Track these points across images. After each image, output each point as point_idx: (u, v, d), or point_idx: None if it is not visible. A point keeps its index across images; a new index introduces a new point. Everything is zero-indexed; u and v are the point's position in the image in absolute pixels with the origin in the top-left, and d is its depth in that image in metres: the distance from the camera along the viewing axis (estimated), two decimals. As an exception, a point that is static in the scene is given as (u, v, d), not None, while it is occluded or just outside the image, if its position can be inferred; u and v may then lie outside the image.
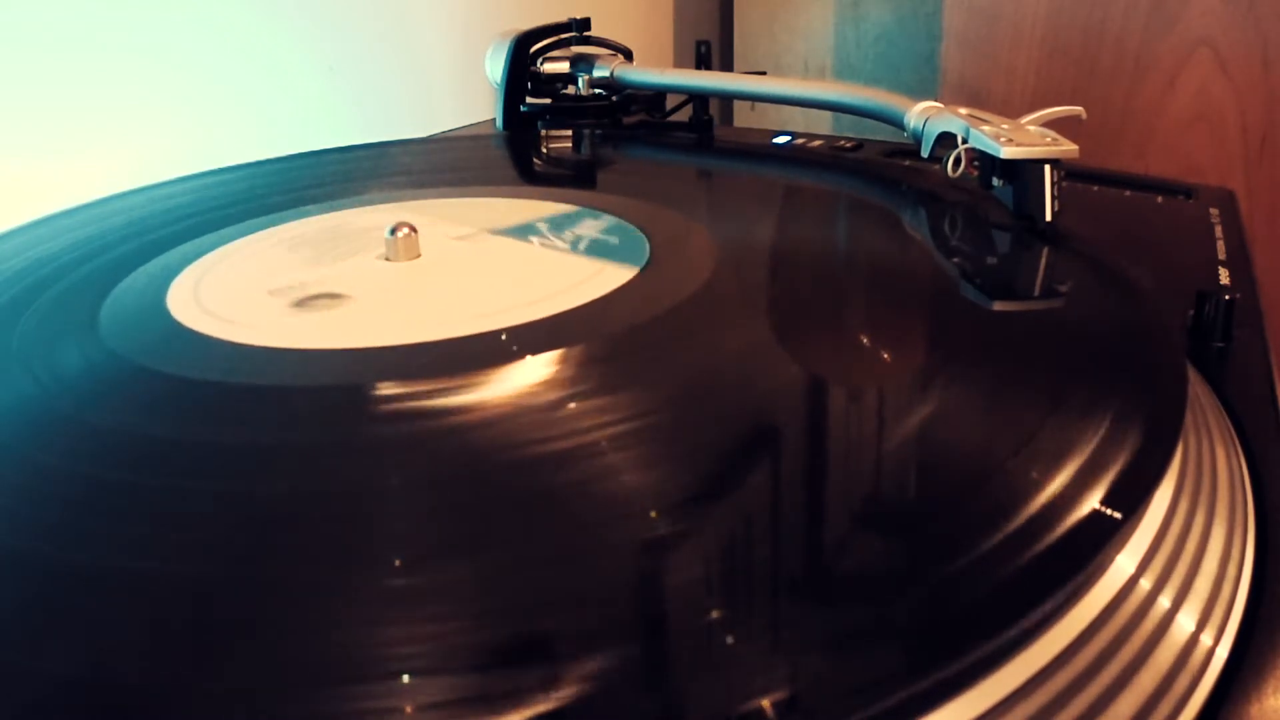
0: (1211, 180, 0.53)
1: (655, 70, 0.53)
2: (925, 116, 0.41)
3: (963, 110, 0.40)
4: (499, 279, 0.32)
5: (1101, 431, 0.22)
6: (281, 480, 0.21)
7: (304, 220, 0.39)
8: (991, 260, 0.35)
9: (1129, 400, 0.23)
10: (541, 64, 0.56)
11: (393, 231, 0.34)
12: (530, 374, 0.25)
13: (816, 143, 0.54)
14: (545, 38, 0.56)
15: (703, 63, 0.56)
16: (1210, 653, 0.19)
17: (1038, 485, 0.20)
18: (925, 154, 0.41)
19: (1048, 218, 0.35)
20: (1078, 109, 0.41)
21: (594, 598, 0.17)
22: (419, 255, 0.34)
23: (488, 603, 0.17)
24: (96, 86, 0.53)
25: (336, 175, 0.46)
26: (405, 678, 0.15)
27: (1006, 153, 0.36)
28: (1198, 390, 0.27)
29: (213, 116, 0.59)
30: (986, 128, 0.38)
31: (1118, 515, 0.19)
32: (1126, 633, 0.19)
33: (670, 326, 0.28)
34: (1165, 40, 0.68)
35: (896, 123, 0.43)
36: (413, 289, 0.31)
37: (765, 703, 0.15)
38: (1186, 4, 0.67)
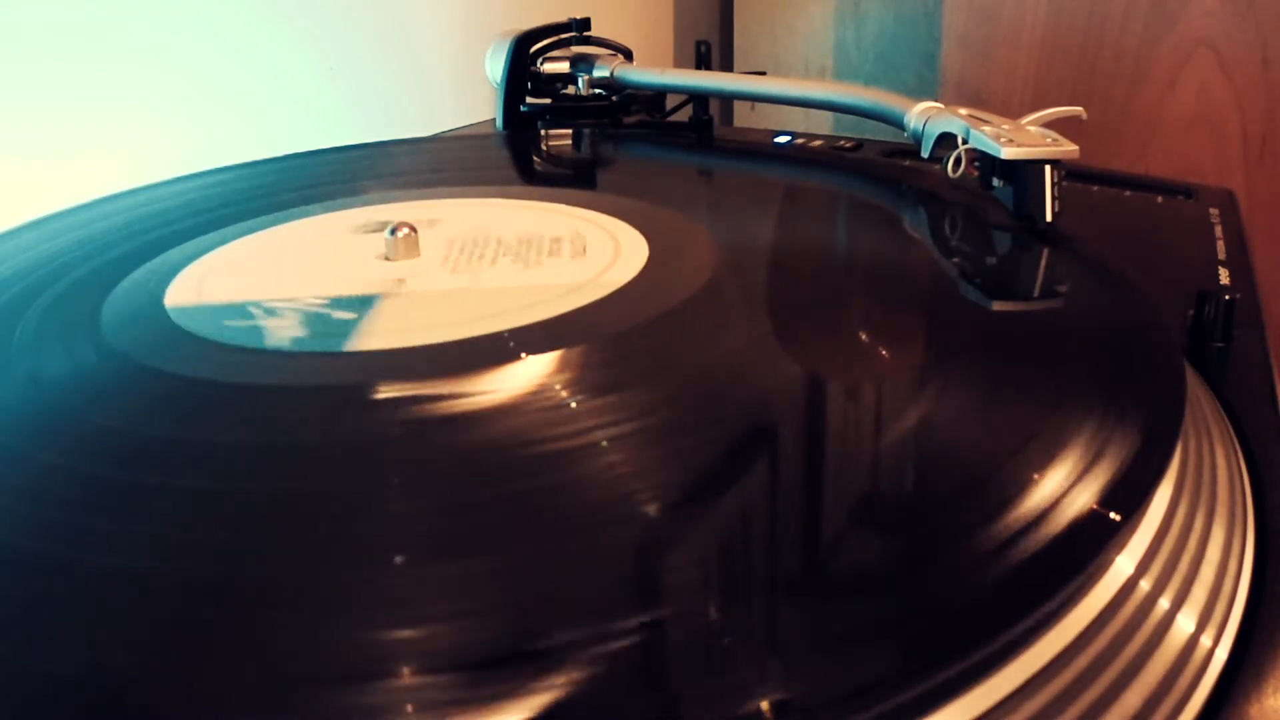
0: (1211, 180, 0.53)
1: (655, 70, 0.53)
2: (925, 117, 0.41)
3: (963, 111, 0.40)
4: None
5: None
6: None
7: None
8: (991, 260, 0.35)
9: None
10: (541, 64, 0.56)
11: (393, 231, 0.34)
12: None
13: (816, 143, 0.54)
14: (545, 38, 0.56)
15: (703, 63, 0.56)
16: (1210, 653, 0.19)
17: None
18: (925, 154, 0.41)
19: (1048, 218, 0.35)
20: (1078, 109, 0.41)
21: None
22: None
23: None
24: (96, 86, 0.53)
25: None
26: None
27: (1007, 153, 0.36)
28: (1197, 390, 0.27)
29: (213, 116, 0.59)
30: (987, 128, 0.38)
31: (1117, 516, 0.19)
32: (1126, 634, 0.19)
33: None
34: (1165, 41, 0.68)
35: (896, 123, 0.43)
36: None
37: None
38: (1186, 4, 0.67)
